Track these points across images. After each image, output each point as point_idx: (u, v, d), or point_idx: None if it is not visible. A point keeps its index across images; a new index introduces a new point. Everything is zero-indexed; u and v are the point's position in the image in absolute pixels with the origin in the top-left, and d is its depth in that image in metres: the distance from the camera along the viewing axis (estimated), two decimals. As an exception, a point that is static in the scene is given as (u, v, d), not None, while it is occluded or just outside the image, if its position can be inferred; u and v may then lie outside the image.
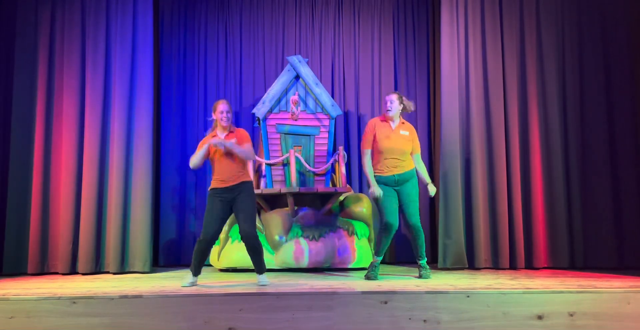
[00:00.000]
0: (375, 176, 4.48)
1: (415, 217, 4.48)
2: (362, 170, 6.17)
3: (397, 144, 4.48)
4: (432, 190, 4.57)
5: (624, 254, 5.40)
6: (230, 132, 4.27)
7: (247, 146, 4.22)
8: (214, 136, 4.26)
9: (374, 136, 4.51)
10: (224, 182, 4.16)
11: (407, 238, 6.15)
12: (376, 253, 4.53)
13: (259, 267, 4.21)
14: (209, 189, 4.25)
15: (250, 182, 4.24)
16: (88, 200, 5.18)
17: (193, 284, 4.10)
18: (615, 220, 5.44)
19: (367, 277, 4.41)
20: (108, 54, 5.37)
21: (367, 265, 5.21)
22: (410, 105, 4.61)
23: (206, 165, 6.08)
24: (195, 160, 4.19)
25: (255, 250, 4.17)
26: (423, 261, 4.55)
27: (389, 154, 4.46)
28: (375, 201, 4.47)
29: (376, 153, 4.53)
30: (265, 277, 4.17)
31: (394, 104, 4.50)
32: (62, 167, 5.27)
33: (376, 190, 4.40)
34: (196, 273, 4.17)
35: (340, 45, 6.38)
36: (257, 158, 5.47)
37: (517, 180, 5.40)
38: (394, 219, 4.40)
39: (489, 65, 5.50)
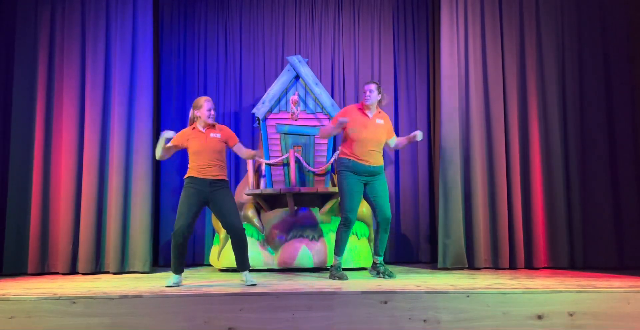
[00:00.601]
0: (346, 160, 4.49)
1: (389, 210, 4.54)
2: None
3: (374, 134, 4.52)
4: (419, 134, 4.54)
5: (624, 254, 5.40)
6: (212, 125, 4.22)
7: (239, 146, 4.28)
8: (194, 128, 4.21)
9: (348, 117, 4.53)
10: (203, 173, 4.10)
11: (407, 237, 6.16)
12: (337, 253, 4.52)
13: (244, 264, 4.17)
14: (185, 177, 4.17)
15: (227, 181, 4.22)
16: (88, 200, 5.18)
17: (177, 284, 4.03)
18: (615, 220, 5.44)
19: (338, 277, 4.38)
20: (108, 53, 5.38)
21: (367, 265, 5.21)
22: (386, 98, 4.66)
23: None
24: (158, 152, 4.20)
25: (242, 245, 4.14)
26: (381, 258, 4.61)
27: (366, 143, 4.48)
28: (340, 189, 4.52)
29: (351, 141, 4.53)
30: (250, 276, 4.14)
31: (373, 93, 4.54)
32: (62, 167, 5.27)
33: (341, 119, 4.43)
34: (177, 271, 4.08)
35: (340, 45, 6.38)
36: (257, 158, 5.46)
37: (517, 180, 5.40)
38: (354, 215, 4.46)
39: (488, 65, 5.50)
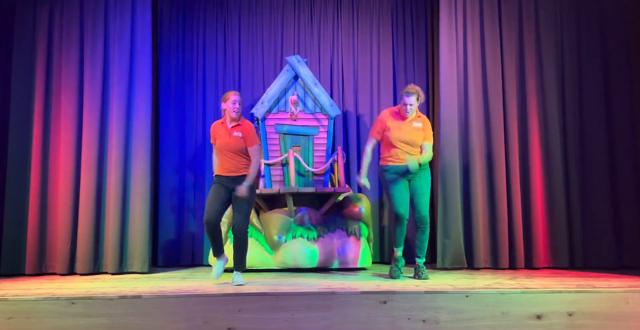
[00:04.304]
0: (385, 166, 4.50)
1: (424, 210, 4.50)
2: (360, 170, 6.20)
3: (409, 135, 4.46)
4: (411, 161, 4.35)
5: (623, 253, 5.40)
6: (238, 124, 4.31)
7: (253, 152, 4.26)
8: (223, 123, 4.34)
9: (385, 127, 4.53)
10: (227, 171, 4.25)
11: (406, 238, 6.15)
12: (395, 244, 4.56)
13: (239, 264, 4.22)
14: (214, 175, 4.35)
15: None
16: (86, 200, 5.17)
17: (223, 265, 4.27)
18: (614, 220, 5.44)
19: (390, 276, 4.45)
20: (106, 53, 5.36)
21: (366, 265, 5.21)
22: (422, 97, 4.54)
23: (204, 166, 6.09)
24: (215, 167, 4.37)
25: (240, 246, 4.20)
26: (421, 261, 4.54)
27: (400, 145, 4.46)
28: (386, 190, 4.55)
29: (387, 144, 4.53)
30: (240, 277, 4.17)
31: (413, 106, 4.46)
32: (60, 167, 5.26)
33: (362, 180, 4.49)
34: (217, 253, 4.27)
35: (339, 45, 6.38)
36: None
37: (517, 179, 5.40)
38: (404, 210, 4.44)
39: (487, 65, 5.50)
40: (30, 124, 5.31)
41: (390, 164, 4.49)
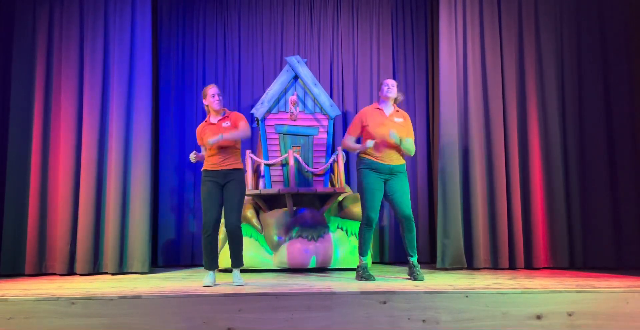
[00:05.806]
0: (367, 160, 4.40)
1: (408, 208, 4.40)
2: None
3: (390, 130, 4.36)
4: (394, 135, 4.33)
5: (623, 253, 5.40)
6: (225, 116, 4.28)
7: (242, 124, 4.20)
8: (206, 122, 4.30)
9: (365, 124, 4.45)
10: (215, 165, 4.18)
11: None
12: (361, 254, 4.45)
13: (237, 260, 4.20)
14: (201, 170, 4.27)
15: (241, 170, 4.26)
16: (86, 200, 5.17)
17: (213, 282, 4.08)
18: (614, 220, 5.44)
19: (365, 279, 4.31)
20: (106, 54, 5.37)
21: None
22: (401, 96, 4.58)
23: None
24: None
25: (234, 241, 4.18)
26: (414, 258, 4.43)
27: (382, 142, 4.37)
28: (360, 191, 4.43)
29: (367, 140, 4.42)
30: (239, 276, 4.17)
31: (395, 88, 4.47)
32: (60, 167, 5.27)
33: (368, 142, 4.29)
34: (211, 267, 4.15)
35: (339, 45, 6.38)
36: (256, 158, 5.47)
37: (516, 179, 5.40)
38: (375, 214, 4.37)
39: (487, 64, 5.50)
40: (30, 123, 5.32)
41: (370, 158, 4.39)
